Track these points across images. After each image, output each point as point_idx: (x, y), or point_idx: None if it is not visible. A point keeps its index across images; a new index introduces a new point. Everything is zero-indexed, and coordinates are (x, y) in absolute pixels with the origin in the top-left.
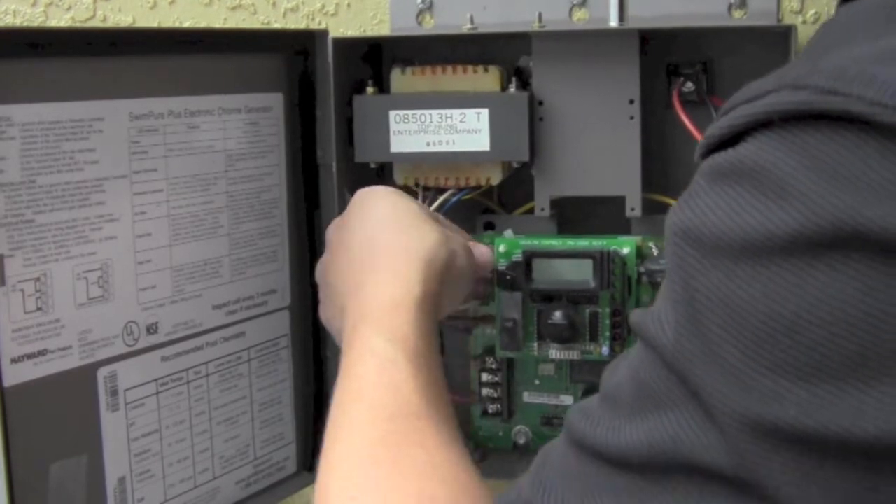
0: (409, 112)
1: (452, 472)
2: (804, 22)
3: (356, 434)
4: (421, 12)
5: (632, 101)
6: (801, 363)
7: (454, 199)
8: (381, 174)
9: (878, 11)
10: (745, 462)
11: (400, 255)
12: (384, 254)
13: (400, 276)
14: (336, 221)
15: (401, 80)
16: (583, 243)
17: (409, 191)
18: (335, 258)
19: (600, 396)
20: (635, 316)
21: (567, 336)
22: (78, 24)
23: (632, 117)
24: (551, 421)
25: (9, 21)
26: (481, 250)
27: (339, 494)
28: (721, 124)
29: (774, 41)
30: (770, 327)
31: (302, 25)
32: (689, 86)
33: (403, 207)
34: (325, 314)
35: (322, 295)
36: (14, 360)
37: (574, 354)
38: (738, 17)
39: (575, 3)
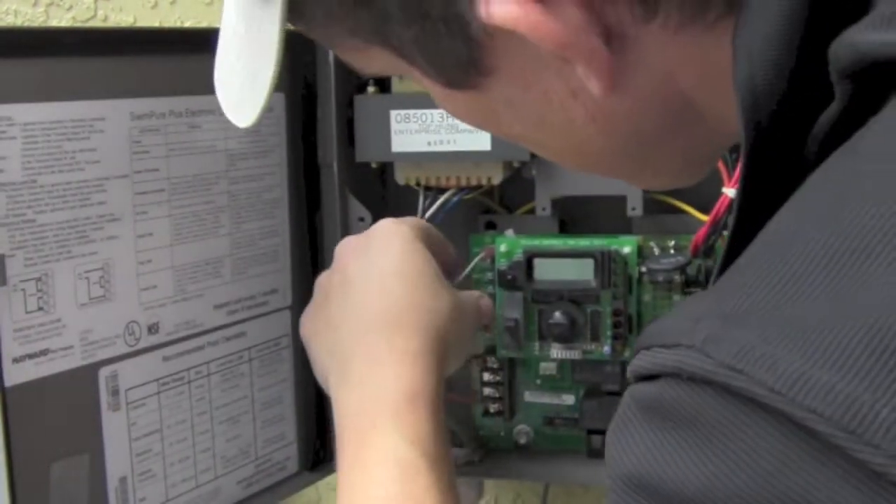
0: (410, 112)
1: None
2: None
3: None
4: None
5: None
6: None
7: (455, 198)
8: (383, 174)
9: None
10: None
11: (415, 331)
12: (396, 324)
13: (417, 360)
14: (334, 269)
15: (402, 79)
16: (584, 243)
17: (410, 191)
18: (333, 314)
19: None
20: None
21: (568, 335)
22: (79, 24)
23: None
24: (553, 421)
25: (10, 21)
26: (486, 303)
27: None
28: (642, 362)
29: None
30: None
31: None
32: None
33: (413, 264)
34: (321, 375)
35: (315, 353)
36: (16, 360)
37: (576, 354)
38: None
39: None
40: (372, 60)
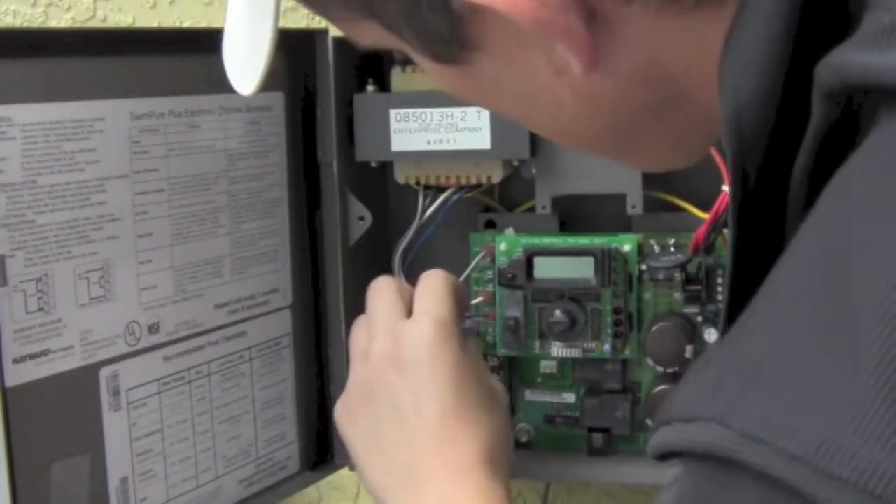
0: (410, 110)
1: None
2: None
3: None
4: None
5: None
6: None
7: (455, 197)
8: (383, 173)
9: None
10: None
11: (483, 471)
12: (465, 467)
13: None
14: (372, 374)
15: (401, 78)
16: (584, 241)
17: (409, 190)
18: (386, 435)
19: None
20: None
21: (569, 334)
22: (78, 24)
23: None
24: (553, 419)
25: (9, 21)
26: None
27: None
28: (662, 438)
29: None
30: None
31: (302, 24)
32: None
33: (462, 389)
34: (371, 490)
35: (365, 470)
36: (16, 361)
37: (576, 352)
38: None
39: None
40: (365, 33)
